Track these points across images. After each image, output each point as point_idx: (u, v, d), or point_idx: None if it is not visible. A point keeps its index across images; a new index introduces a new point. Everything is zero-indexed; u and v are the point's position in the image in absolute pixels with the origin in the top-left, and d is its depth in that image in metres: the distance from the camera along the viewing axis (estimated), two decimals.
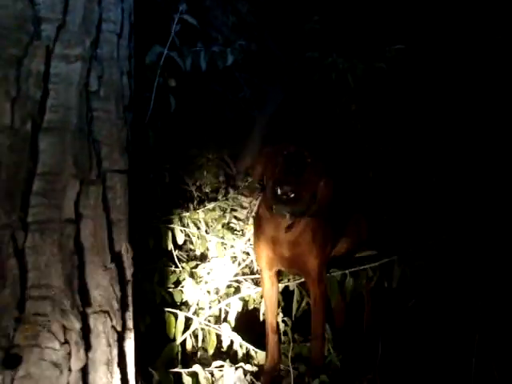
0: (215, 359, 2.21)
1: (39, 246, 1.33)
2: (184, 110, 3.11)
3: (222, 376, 2.09)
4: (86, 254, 1.43)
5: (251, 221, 2.82)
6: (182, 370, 2.03)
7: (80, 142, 1.44)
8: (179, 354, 2.20)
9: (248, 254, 2.68)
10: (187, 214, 2.74)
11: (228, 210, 2.87)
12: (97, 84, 1.53)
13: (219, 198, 3.03)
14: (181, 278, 2.46)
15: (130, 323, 1.56)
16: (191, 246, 2.73)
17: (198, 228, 2.71)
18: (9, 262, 1.28)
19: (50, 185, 1.37)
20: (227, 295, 2.50)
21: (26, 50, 1.37)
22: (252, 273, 2.75)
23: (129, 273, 1.57)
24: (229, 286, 2.55)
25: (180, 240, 2.53)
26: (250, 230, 2.73)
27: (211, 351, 2.29)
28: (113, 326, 1.47)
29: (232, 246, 2.67)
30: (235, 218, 2.88)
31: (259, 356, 2.33)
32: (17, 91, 1.33)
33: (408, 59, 2.61)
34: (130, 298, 1.56)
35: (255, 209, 2.71)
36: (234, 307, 2.39)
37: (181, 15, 2.66)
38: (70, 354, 1.34)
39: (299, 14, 3.13)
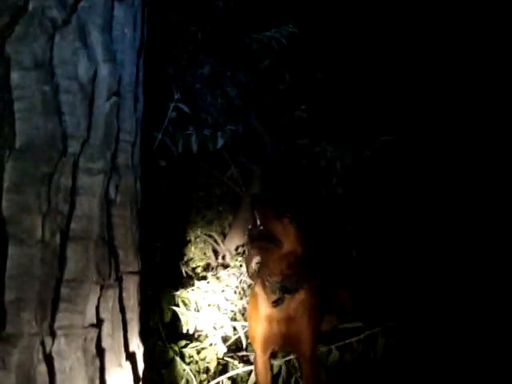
0: None
1: (65, 351, 1.44)
2: (173, 188, 3.26)
3: None
4: (105, 355, 1.53)
5: (242, 300, 2.94)
6: None
7: (101, 250, 1.56)
8: None
9: (235, 329, 2.77)
10: (177, 292, 2.81)
11: (219, 291, 2.95)
12: (114, 193, 1.66)
13: (209, 276, 3.12)
14: (169, 358, 2.52)
15: None
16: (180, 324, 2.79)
17: (187, 307, 2.78)
18: (39, 368, 1.38)
19: (74, 291, 1.49)
20: (215, 373, 2.59)
21: (55, 166, 1.50)
22: (240, 350, 2.84)
23: (140, 369, 1.68)
24: (218, 364, 2.62)
25: (167, 318, 2.61)
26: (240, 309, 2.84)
27: None
28: None
29: (222, 327, 2.77)
30: (225, 298, 2.98)
31: None
32: (47, 206, 1.45)
33: (395, 150, 2.82)
34: None
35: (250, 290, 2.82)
36: None
37: (176, 103, 2.82)
38: None
39: (288, 100, 3.33)
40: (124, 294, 1.64)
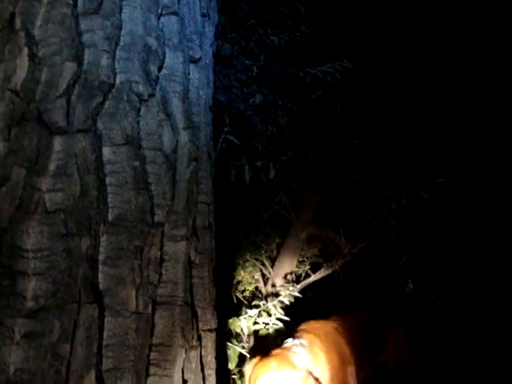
0: None
1: None
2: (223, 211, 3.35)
3: None
4: None
5: None
6: None
7: (185, 313, 1.67)
8: None
9: None
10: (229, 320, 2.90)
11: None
12: (195, 255, 1.76)
13: (260, 304, 3.20)
14: None
15: None
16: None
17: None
18: None
19: (162, 356, 1.59)
20: None
21: (145, 239, 1.60)
22: None
23: None
24: None
25: None
26: None
27: None
28: None
29: None
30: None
31: None
32: (140, 279, 1.56)
33: (450, 193, 2.87)
34: None
35: None
36: None
37: (226, 135, 2.90)
38: None
39: (341, 132, 3.40)
40: (203, 352, 1.74)
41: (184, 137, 1.76)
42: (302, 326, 2.45)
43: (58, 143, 1.53)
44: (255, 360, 2.15)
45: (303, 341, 2.26)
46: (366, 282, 3.47)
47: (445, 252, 3.13)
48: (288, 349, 2.22)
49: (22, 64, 1.57)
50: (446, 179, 2.93)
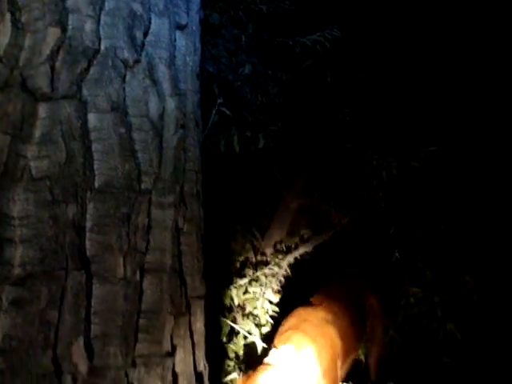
0: None
1: (145, 380, 1.56)
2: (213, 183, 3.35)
3: None
4: (179, 379, 1.65)
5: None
6: None
7: (174, 280, 1.67)
8: None
9: None
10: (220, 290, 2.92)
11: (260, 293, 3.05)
12: (182, 222, 1.76)
13: (250, 273, 3.22)
14: None
15: None
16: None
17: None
18: None
19: (151, 322, 1.60)
20: None
21: (133, 206, 1.59)
22: None
23: None
24: None
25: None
26: None
27: None
28: None
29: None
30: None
31: None
32: (128, 245, 1.56)
33: (441, 161, 2.87)
34: None
35: None
36: None
37: (218, 107, 2.89)
38: None
39: (331, 102, 3.38)
40: (192, 319, 1.75)
41: (171, 104, 1.75)
42: (290, 320, 2.44)
43: (42, 110, 1.52)
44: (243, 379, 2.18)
45: (290, 348, 2.28)
46: (355, 252, 3.48)
47: (434, 222, 3.14)
48: (275, 364, 2.24)
49: (5, 30, 1.54)
50: (437, 148, 2.92)
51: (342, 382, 2.49)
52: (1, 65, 1.52)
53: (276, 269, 3.26)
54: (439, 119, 3.35)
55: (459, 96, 3.41)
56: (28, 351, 1.39)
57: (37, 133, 1.51)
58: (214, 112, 2.93)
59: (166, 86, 1.76)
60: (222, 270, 3.44)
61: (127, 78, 1.66)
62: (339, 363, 2.43)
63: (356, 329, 2.64)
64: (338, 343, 2.48)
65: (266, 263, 3.46)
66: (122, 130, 1.60)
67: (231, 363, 2.87)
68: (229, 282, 3.14)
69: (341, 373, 2.46)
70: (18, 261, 1.42)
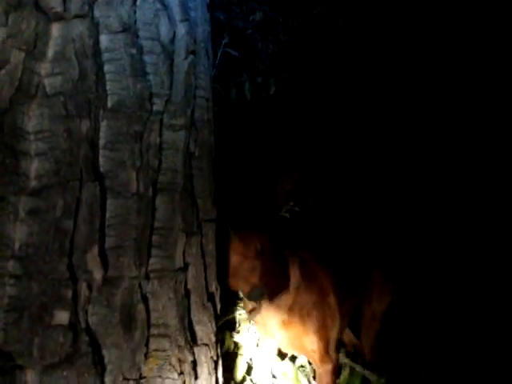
0: None
1: (158, 292, 1.61)
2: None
3: None
4: (191, 296, 1.71)
5: None
6: None
7: (185, 200, 1.71)
8: None
9: None
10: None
11: None
12: (194, 146, 1.79)
13: None
14: None
15: (218, 352, 1.84)
16: None
17: None
18: (138, 307, 1.55)
19: (164, 238, 1.64)
20: None
21: (145, 124, 1.63)
22: None
23: (218, 308, 1.86)
24: None
25: None
26: None
27: None
28: (211, 357, 1.75)
29: None
30: None
31: None
32: (140, 162, 1.60)
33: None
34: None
35: None
36: None
37: (224, 48, 2.90)
38: (184, 383, 1.62)
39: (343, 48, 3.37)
40: (203, 240, 1.79)
41: (181, 29, 1.77)
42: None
43: (55, 29, 1.55)
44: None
45: None
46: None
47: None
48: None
49: None
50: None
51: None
52: None
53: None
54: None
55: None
56: (44, 258, 1.44)
57: (50, 51, 1.54)
58: (219, 54, 2.91)
59: (177, 11, 1.78)
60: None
61: (138, 0, 1.67)
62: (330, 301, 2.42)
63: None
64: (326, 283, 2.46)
65: None
66: (134, 52, 1.63)
67: None
68: None
69: None
70: (33, 173, 1.46)
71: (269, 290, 2.14)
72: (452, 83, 3.40)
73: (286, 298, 2.22)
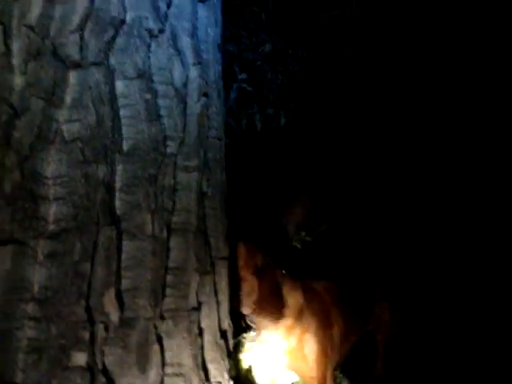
0: None
1: (172, 332, 1.65)
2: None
3: None
4: (204, 334, 1.74)
5: None
6: None
7: (199, 240, 1.75)
8: None
9: None
10: None
11: None
12: (207, 186, 1.84)
13: None
14: None
15: None
16: None
17: None
18: (153, 347, 1.59)
19: (178, 279, 1.68)
20: None
21: (159, 167, 1.68)
22: None
23: (231, 346, 1.89)
24: None
25: None
26: None
27: None
28: None
29: None
30: None
31: None
32: (155, 204, 1.64)
33: None
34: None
35: None
36: None
37: (240, 84, 2.96)
38: None
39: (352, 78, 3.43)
40: (216, 278, 1.83)
41: (194, 72, 1.82)
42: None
43: (72, 76, 1.60)
44: None
45: None
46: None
47: None
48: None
49: (37, 1, 1.62)
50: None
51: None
52: (33, 34, 1.60)
53: (298, 245, 3.32)
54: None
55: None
56: (62, 301, 1.48)
57: (68, 98, 1.59)
58: (235, 88, 2.96)
59: (189, 55, 1.84)
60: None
61: (152, 46, 1.74)
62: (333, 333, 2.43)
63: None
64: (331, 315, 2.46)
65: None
66: (148, 96, 1.68)
67: None
68: None
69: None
70: (52, 217, 1.51)
71: (263, 316, 2.17)
72: (456, 96, 3.42)
73: (286, 321, 2.21)
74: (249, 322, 2.17)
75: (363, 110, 3.41)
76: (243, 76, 2.93)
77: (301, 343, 2.21)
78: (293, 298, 2.18)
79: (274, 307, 2.17)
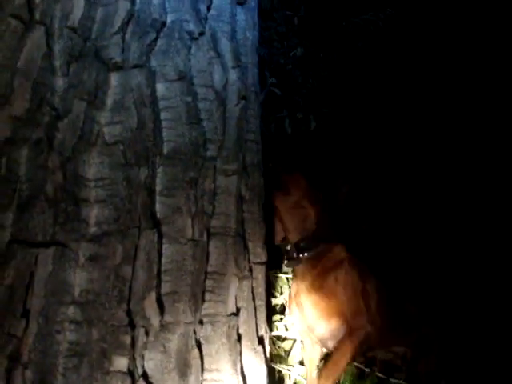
0: None
1: (211, 337, 1.62)
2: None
3: None
4: (243, 340, 1.71)
5: None
6: None
7: (238, 244, 1.73)
8: None
9: None
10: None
11: None
12: (245, 190, 1.81)
13: None
14: None
15: None
16: None
17: None
18: (192, 352, 1.57)
19: (217, 283, 1.66)
20: None
21: (199, 171, 1.66)
22: None
23: (268, 351, 1.86)
24: None
25: None
26: None
27: None
28: None
29: None
30: None
31: None
32: (196, 208, 1.62)
33: None
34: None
35: None
36: None
37: (270, 87, 2.93)
38: None
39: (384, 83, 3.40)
40: (254, 284, 1.81)
41: (233, 75, 1.81)
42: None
43: (114, 78, 1.60)
44: None
45: None
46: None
47: None
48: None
49: (79, 4, 1.63)
50: None
51: None
52: (76, 36, 1.59)
53: None
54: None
55: None
56: (104, 304, 1.46)
57: (109, 100, 1.59)
58: (265, 91, 2.94)
59: (229, 58, 1.82)
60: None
61: (192, 49, 1.73)
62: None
63: None
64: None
65: None
66: (189, 99, 1.67)
67: None
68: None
69: None
70: (93, 220, 1.50)
71: (318, 241, 2.11)
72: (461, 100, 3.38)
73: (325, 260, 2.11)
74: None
75: (395, 115, 3.36)
76: (272, 80, 2.88)
77: (330, 291, 2.08)
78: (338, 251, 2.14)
79: (327, 237, 2.13)
